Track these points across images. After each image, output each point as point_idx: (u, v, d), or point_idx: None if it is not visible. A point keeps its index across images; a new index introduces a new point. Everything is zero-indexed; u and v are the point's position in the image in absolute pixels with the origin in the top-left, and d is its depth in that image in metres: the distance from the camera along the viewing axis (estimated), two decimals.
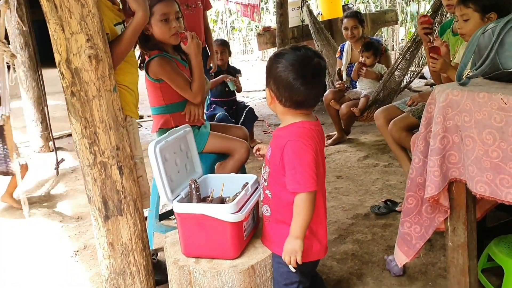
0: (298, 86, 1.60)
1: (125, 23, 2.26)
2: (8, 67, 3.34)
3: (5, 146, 3.23)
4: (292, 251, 1.62)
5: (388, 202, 3.07)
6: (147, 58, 2.61)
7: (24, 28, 4.67)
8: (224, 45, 4.88)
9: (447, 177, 1.68)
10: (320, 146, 1.69)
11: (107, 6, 2.16)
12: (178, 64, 2.64)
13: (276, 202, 1.71)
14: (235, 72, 4.91)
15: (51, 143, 4.85)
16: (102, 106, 1.86)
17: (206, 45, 4.55)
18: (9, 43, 3.46)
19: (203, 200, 1.92)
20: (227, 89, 4.70)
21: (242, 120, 4.62)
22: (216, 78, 4.64)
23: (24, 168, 3.53)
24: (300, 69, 1.60)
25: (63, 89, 1.84)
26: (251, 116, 4.74)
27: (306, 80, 1.61)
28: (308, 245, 1.66)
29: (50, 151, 5.00)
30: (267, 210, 1.75)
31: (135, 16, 2.07)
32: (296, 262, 1.63)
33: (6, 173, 3.30)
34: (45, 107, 4.43)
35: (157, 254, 2.60)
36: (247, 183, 1.91)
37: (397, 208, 2.97)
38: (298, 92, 1.61)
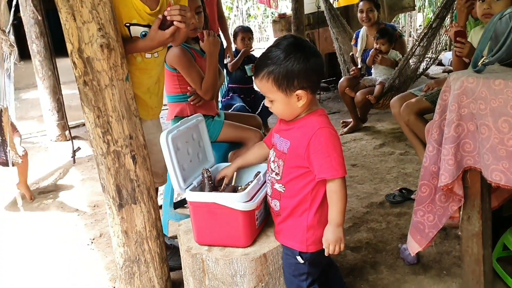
0: (317, 62, 1.60)
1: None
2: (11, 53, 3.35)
3: (4, 138, 3.26)
4: (337, 239, 1.62)
5: (403, 191, 3.05)
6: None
7: (39, 18, 4.70)
8: (250, 31, 4.93)
9: (461, 165, 1.65)
10: None
11: (134, 5, 2.01)
12: (195, 54, 2.66)
13: (289, 195, 1.69)
14: (253, 59, 4.92)
15: (67, 132, 4.90)
16: (114, 95, 1.87)
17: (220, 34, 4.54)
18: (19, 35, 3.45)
19: (216, 188, 1.92)
20: (246, 76, 4.70)
21: (259, 111, 4.62)
22: (236, 59, 4.65)
23: (25, 157, 3.55)
24: (305, 50, 1.59)
25: (76, 78, 1.85)
26: (268, 108, 4.72)
27: (319, 57, 1.62)
28: (314, 234, 1.66)
29: (67, 140, 5.06)
30: (275, 205, 1.73)
31: (144, 41, 2.03)
32: (302, 256, 1.66)
33: (5, 163, 3.32)
34: (60, 96, 4.47)
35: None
36: (259, 172, 1.90)
37: (412, 196, 2.94)
38: (320, 69, 1.63)
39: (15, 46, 3.02)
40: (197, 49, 2.69)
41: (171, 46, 2.58)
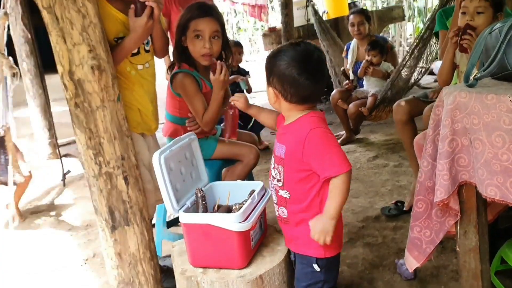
0: (303, 80, 1.60)
1: None
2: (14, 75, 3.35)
3: (6, 157, 3.24)
4: (324, 230, 1.60)
5: (399, 204, 3.04)
6: (176, 69, 2.54)
7: (29, 36, 4.68)
8: (239, 46, 4.92)
9: (456, 180, 1.65)
10: None
11: (118, 18, 2.05)
12: (204, 84, 2.54)
13: (296, 200, 1.67)
14: (244, 73, 4.91)
15: (58, 150, 4.86)
16: (106, 116, 1.85)
17: None
18: (10, 54, 3.44)
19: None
20: (238, 89, 4.69)
21: (251, 124, 4.61)
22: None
23: (28, 178, 3.53)
24: (303, 63, 1.60)
25: (67, 100, 1.83)
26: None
27: (310, 74, 1.61)
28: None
29: (59, 158, 5.01)
30: (283, 212, 1.72)
31: (127, 37, 2.04)
32: (319, 263, 1.65)
33: (4, 183, 3.29)
34: (50, 116, 4.45)
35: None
36: (253, 191, 1.89)
37: (405, 208, 2.94)
38: (304, 87, 1.61)
39: (17, 67, 3.02)
40: (207, 80, 2.53)
41: (178, 72, 2.49)
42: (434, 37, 4.11)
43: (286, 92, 1.64)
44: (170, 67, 2.61)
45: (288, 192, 1.68)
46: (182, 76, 2.47)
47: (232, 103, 2.02)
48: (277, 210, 1.76)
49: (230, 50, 2.64)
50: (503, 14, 2.40)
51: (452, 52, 2.46)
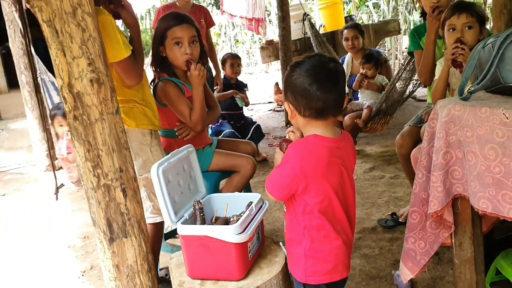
0: (314, 91, 1.53)
1: None
2: None
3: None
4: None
5: (394, 215, 3.06)
6: (156, 80, 2.62)
7: (28, 49, 4.71)
8: (238, 58, 4.96)
9: (451, 192, 1.67)
10: (332, 161, 1.59)
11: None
12: (186, 90, 2.61)
13: (288, 217, 1.67)
14: (242, 86, 4.96)
15: (57, 161, 4.87)
16: (104, 129, 1.87)
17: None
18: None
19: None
20: (235, 102, 4.73)
21: (249, 137, 4.64)
22: (224, 93, 4.69)
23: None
24: (314, 73, 1.55)
25: (66, 113, 1.85)
26: (258, 133, 4.76)
27: (321, 84, 1.54)
28: (313, 265, 1.62)
29: (57, 170, 5.02)
30: (284, 225, 1.72)
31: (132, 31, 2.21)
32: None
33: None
34: (46, 130, 4.47)
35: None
36: (251, 202, 1.90)
37: (400, 219, 2.97)
38: (315, 98, 1.54)
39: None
40: (189, 86, 2.61)
41: (158, 82, 2.59)
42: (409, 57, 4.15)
43: (299, 105, 1.57)
44: (152, 82, 2.67)
45: (285, 206, 1.68)
46: (162, 83, 2.56)
47: (287, 136, 1.80)
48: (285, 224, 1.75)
49: (206, 56, 2.76)
50: (486, 29, 2.51)
51: (447, 71, 2.50)
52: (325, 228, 1.60)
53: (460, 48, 2.37)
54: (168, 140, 2.67)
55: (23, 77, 4.93)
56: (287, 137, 1.73)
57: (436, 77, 2.71)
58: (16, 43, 4.82)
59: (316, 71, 1.56)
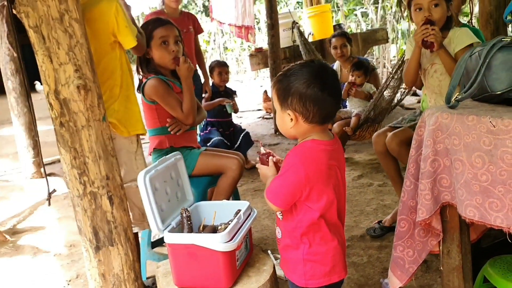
0: (327, 96, 1.53)
1: None
2: None
3: None
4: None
5: (381, 223, 3.06)
6: (143, 81, 2.66)
7: (14, 55, 4.67)
8: (226, 66, 4.95)
9: (439, 200, 1.67)
10: (331, 164, 1.60)
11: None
12: (174, 86, 2.69)
13: (285, 222, 1.65)
14: (231, 93, 4.95)
15: (43, 169, 4.82)
16: (91, 136, 1.85)
17: (197, 69, 4.58)
18: None
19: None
20: (224, 109, 4.72)
21: (238, 144, 4.63)
22: (213, 101, 4.67)
23: None
24: (323, 79, 1.54)
25: (52, 119, 1.83)
26: (247, 141, 4.74)
27: (331, 90, 1.55)
28: (312, 268, 1.61)
29: (43, 177, 4.96)
30: (278, 232, 1.70)
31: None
32: None
33: None
34: (36, 135, 4.40)
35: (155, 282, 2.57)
36: (239, 210, 1.89)
37: (386, 224, 2.98)
38: (327, 103, 1.54)
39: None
40: (176, 82, 2.71)
41: (147, 81, 2.63)
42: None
43: (309, 112, 1.55)
44: (139, 86, 2.69)
45: (281, 213, 1.66)
46: (150, 81, 2.62)
47: (262, 149, 1.84)
48: (276, 229, 1.73)
49: (188, 56, 2.83)
50: (452, 4, 2.55)
51: (418, 52, 2.52)
52: (321, 230, 1.61)
53: (430, 29, 2.40)
54: (160, 137, 2.69)
55: (10, 83, 4.89)
56: (262, 151, 1.77)
57: (407, 57, 2.73)
58: (2, 48, 4.77)
59: (323, 76, 1.55)
